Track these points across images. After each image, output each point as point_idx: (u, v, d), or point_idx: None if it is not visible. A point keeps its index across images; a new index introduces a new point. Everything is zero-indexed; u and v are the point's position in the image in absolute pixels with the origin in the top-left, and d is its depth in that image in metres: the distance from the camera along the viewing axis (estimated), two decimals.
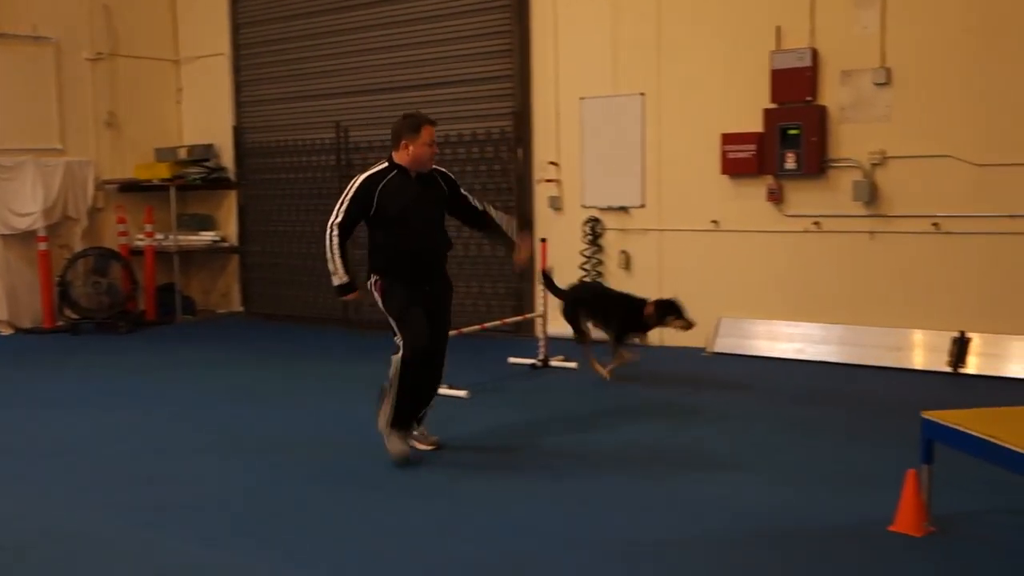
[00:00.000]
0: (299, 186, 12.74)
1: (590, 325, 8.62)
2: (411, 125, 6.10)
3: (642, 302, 8.38)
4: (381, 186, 6.05)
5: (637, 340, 8.79)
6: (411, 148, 6.06)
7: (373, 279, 6.21)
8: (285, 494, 5.59)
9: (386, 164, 6.17)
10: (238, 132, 13.21)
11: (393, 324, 6.09)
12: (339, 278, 6.14)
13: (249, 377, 9.19)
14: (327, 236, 6.11)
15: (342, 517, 5.17)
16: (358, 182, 6.12)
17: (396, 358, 6.04)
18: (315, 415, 7.57)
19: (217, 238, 13.28)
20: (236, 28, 13.15)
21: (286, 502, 5.44)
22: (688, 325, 8.23)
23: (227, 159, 13.33)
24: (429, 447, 6.32)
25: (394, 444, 6.06)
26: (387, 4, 11.70)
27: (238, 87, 13.22)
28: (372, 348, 10.50)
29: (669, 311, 8.23)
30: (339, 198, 6.23)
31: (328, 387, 8.66)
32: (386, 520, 5.10)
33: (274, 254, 13.07)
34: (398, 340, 6.06)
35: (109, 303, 12.08)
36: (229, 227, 13.53)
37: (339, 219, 6.09)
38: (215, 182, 13.24)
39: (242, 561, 4.61)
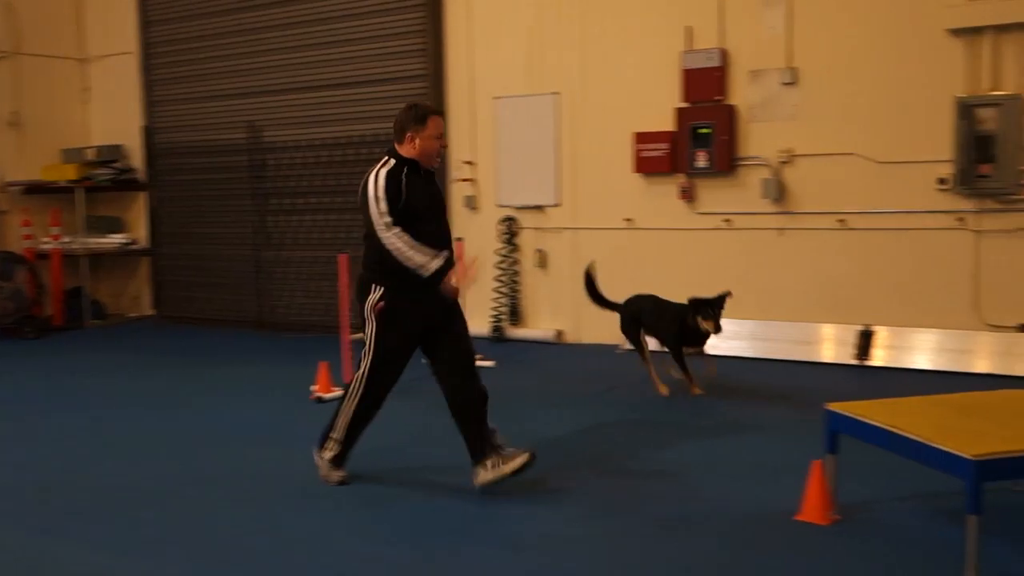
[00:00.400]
0: (212, 187, 12.54)
1: (648, 339, 7.94)
2: (416, 116, 5.43)
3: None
4: (403, 179, 5.32)
5: (693, 351, 7.84)
6: (417, 141, 5.39)
7: (376, 293, 5.42)
8: (189, 499, 5.49)
9: (393, 160, 5.41)
10: (148, 132, 12.96)
11: (368, 357, 5.47)
12: (436, 260, 5.27)
13: (159, 381, 9.01)
14: (390, 240, 5.24)
15: (244, 523, 5.11)
16: (380, 177, 5.32)
17: (348, 400, 5.57)
18: (225, 418, 7.45)
19: (127, 240, 13.03)
20: (144, 26, 12.90)
21: (191, 508, 5.35)
22: (716, 328, 7.49)
23: (137, 160, 13.08)
24: (522, 460, 5.42)
25: (331, 473, 5.64)
26: (299, 3, 11.59)
27: (148, 86, 12.97)
28: (287, 350, 10.44)
29: (699, 310, 7.58)
30: (369, 204, 5.32)
31: (240, 390, 8.53)
32: (295, 526, 5.05)
33: (187, 256, 12.86)
34: (361, 371, 5.50)
35: (14, 308, 11.75)
36: (140, 229, 13.27)
37: (388, 217, 5.24)
38: (125, 183, 12.98)
39: (144, 566, 4.53)
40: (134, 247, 13.08)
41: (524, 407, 7.48)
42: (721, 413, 7.19)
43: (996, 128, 8.02)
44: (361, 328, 5.58)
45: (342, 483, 5.61)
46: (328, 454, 5.64)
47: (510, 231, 10.52)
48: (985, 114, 8.08)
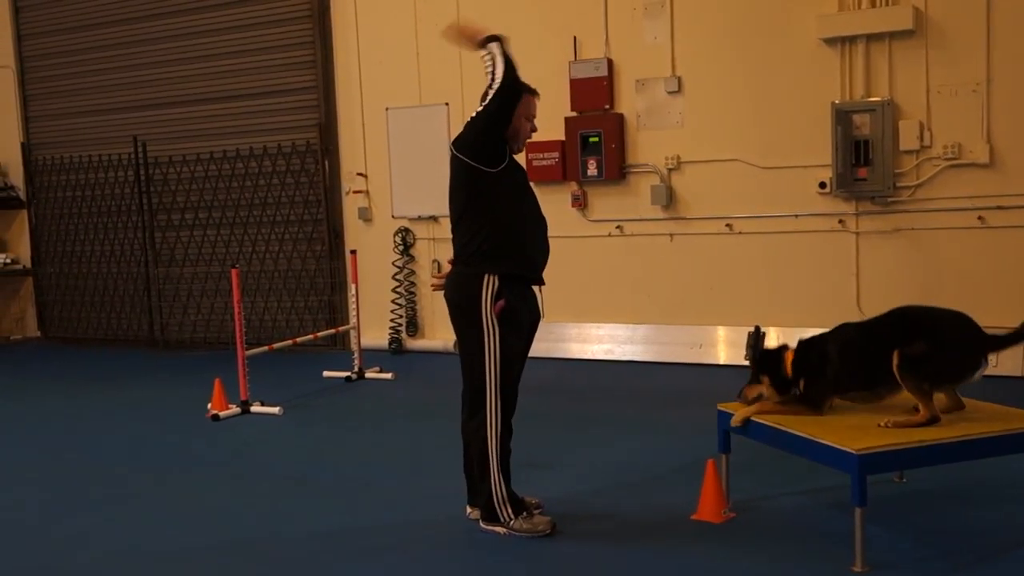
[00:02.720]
0: (96, 203, 12.22)
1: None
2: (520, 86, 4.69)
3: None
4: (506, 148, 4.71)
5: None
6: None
7: (490, 288, 4.62)
8: (67, 525, 5.36)
9: None
10: (27, 148, 12.56)
11: (495, 370, 4.65)
12: (500, 60, 4.52)
13: (43, 404, 8.74)
14: (484, 111, 4.60)
15: (121, 539, 5.01)
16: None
17: (488, 431, 4.72)
18: (115, 441, 7.27)
19: (8, 260, 12.61)
20: (20, 39, 12.50)
21: (69, 533, 5.22)
22: None
23: (16, 177, 12.66)
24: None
25: (523, 525, 4.80)
26: (183, 15, 11.39)
27: (25, 101, 12.57)
28: (178, 369, 10.23)
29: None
30: (465, 142, 4.70)
31: (131, 411, 8.33)
32: (178, 539, 4.97)
33: (72, 275, 12.50)
34: (491, 404, 4.69)
35: None
36: (21, 248, 12.85)
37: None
38: (4, 201, 12.58)
39: None
40: (15, 267, 12.67)
41: (421, 419, 7.49)
42: (615, 416, 7.31)
43: (871, 133, 8.35)
44: (470, 338, 4.70)
45: (553, 525, 4.80)
46: (508, 516, 4.78)
47: (405, 243, 10.51)
48: (860, 119, 8.39)
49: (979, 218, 8.19)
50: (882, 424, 4.41)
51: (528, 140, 4.93)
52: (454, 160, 4.71)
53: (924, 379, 4.39)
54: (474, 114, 4.67)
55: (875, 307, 8.47)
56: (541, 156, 9.57)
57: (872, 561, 4.24)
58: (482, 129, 4.61)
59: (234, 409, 7.80)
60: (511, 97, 4.56)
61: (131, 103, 11.83)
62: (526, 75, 4.72)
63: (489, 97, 4.57)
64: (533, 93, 4.80)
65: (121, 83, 11.87)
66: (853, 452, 4.13)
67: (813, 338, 4.87)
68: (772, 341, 8.69)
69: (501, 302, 4.63)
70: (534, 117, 4.81)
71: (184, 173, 11.58)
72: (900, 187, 8.40)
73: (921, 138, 8.28)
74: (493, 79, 4.56)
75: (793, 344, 4.94)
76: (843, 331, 4.82)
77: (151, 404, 8.57)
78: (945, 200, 8.29)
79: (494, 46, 4.56)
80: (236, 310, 7.91)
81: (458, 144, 4.71)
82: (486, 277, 4.63)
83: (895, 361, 4.43)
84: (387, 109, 10.49)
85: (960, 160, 8.20)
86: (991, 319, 8.11)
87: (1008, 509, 4.93)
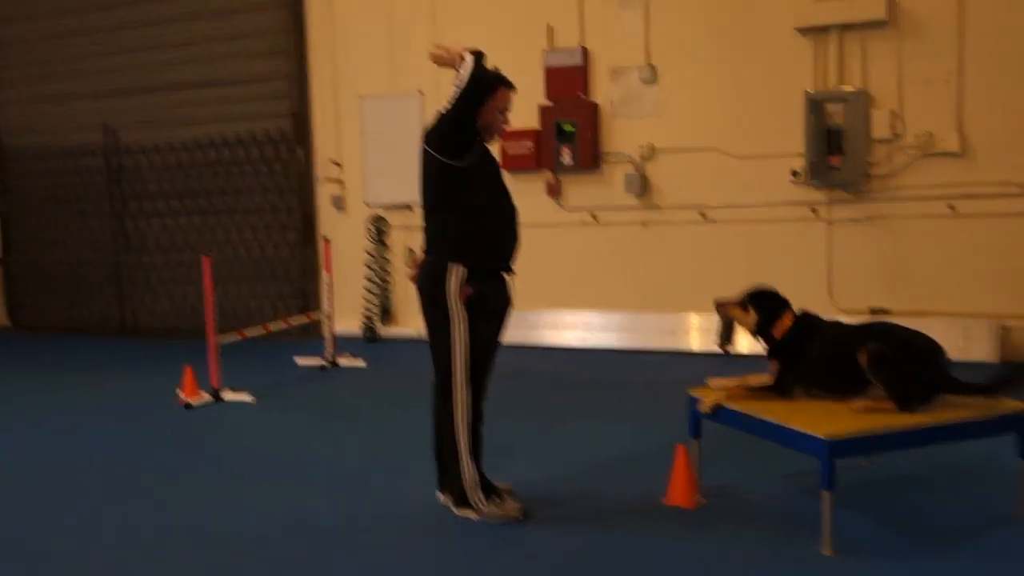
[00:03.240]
0: (66, 191, 12.12)
1: None
2: (488, 82, 4.68)
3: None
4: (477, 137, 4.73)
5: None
6: (480, 111, 4.68)
7: (457, 276, 4.66)
8: (35, 517, 5.32)
9: None
10: None
11: (461, 356, 4.72)
12: (469, 57, 4.54)
13: (14, 393, 8.66)
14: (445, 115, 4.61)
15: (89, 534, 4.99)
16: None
17: (457, 417, 4.77)
18: (87, 430, 7.22)
19: None
20: None
21: (35, 525, 5.18)
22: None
23: None
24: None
25: (495, 510, 4.83)
26: (156, 1, 11.29)
27: None
28: (149, 357, 10.17)
29: None
30: (431, 137, 4.70)
31: (103, 400, 8.27)
32: (147, 528, 4.95)
33: (42, 263, 12.40)
34: (456, 378, 4.74)
35: None
36: None
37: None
38: None
39: None
40: None
41: (395, 406, 7.49)
42: (588, 403, 7.33)
43: (844, 122, 8.39)
44: (438, 326, 4.76)
45: (525, 511, 4.86)
46: (479, 501, 4.83)
47: (379, 231, 10.48)
48: (833, 109, 8.43)
49: (950, 207, 8.25)
50: (853, 408, 4.44)
51: (502, 133, 4.93)
52: (424, 153, 4.73)
53: (894, 376, 4.42)
54: (443, 108, 4.68)
55: (847, 294, 8.58)
56: (516, 145, 9.56)
57: (840, 545, 4.27)
58: (447, 125, 4.64)
59: (206, 397, 7.76)
60: (477, 95, 4.58)
61: (102, 90, 11.73)
62: (501, 63, 4.71)
63: (453, 96, 4.59)
64: (509, 87, 4.78)
65: (92, 70, 11.76)
66: (822, 437, 4.16)
67: (811, 321, 4.84)
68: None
69: (469, 289, 4.67)
70: (508, 110, 4.81)
71: (156, 161, 11.49)
72: (872, 176, 8.45)
73: (893, 128, 8.34)
74: (458, 76, 4.57)
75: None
76: (830, 333, 4.79)
77: (122, 393, 8.51)
78: (917, 189, 8.35)
79: (468, 54, 4.56)
80: (208, 298, 7.87)
81: (427, 138, 4.73)
82: (453, 267, 4.67)
83: (864, 360, 4.45)
84: (361, 97, 10.44)
85: (932, 150, 8.26)
86: (959, 306, 8.22)
87: (973, 493, 4.98)
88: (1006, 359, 7.99)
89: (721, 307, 5.03)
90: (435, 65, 4.73)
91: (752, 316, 4.90)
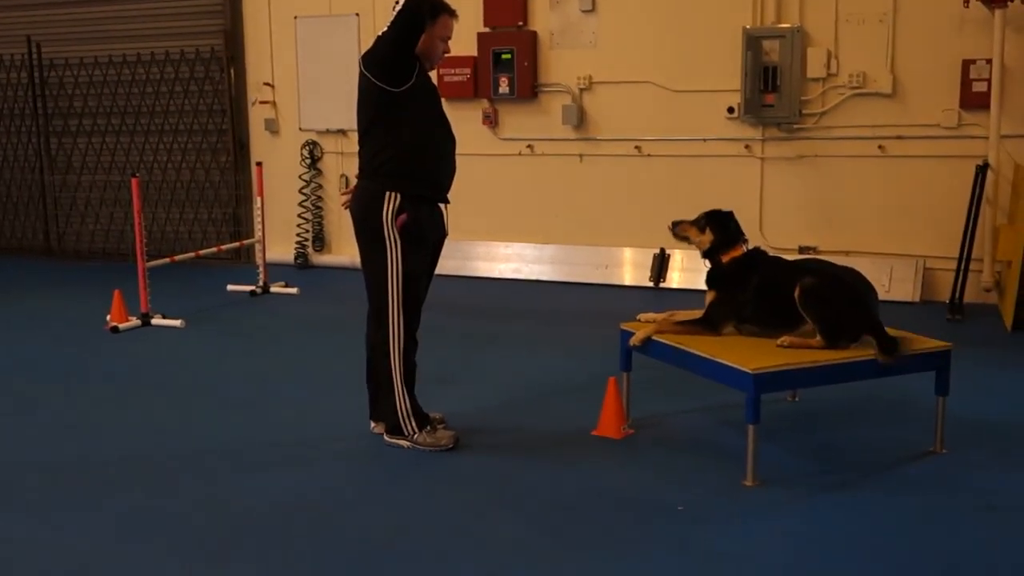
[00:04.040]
0: None
1: None
2: (430, 8, 4.58)
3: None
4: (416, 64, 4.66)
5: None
6: (423, 36, 4.60)
7: (392, 203, 4.62)
8: None
9: None
10: None
11: (398, 284, 4.68)
12: None
13: None
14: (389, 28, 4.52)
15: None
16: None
17: (391, 346, 4.74)
18: (8, 352, 7.09)
19: None
20: None
21: None
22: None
23: None
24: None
25: (427, 439, 4.85)
26: None
27: None
28: (75, 280, 9.97)
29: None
30: (372, 54, 4.65)
31: (27, 323, 8.12)
32: (73, 450, 4.91)
33: None
34: (393, 305, 4.70)
35: None
36: None
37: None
38: None
39: None
40: None
41: (326, 334, 7.47)
42: (521, 334, 7.38)
43: (779, 60, 8.43)
44: (372, 253, 4.73)
45: (456, 440, 4.88)
46: (412, 429, 4.84)
47: (312, 156, 10.34)
48: (770, 45, 8.46)
49: (879, 147, 8.38)
50: (779, 343, 4.54)
51: (441, 60, 4.88)
52: (361, 76, 4.67)
53: (826, 312, 4.51)
54: (382, 31, 4.60)
55: (777, 232, 8.71)
56: (453, 72, 9.46)
57: (763, 476, 4.40)
58: (386, 52, 4.57)
59: (134, 321, 7.65)
60: (414, 22, 4.51)
61: (26, 1, 11.29)
62: None
63: (391, 20, 4.52)
64: (451, 14, 4.73)
65: None
66: (748, 371, 4.25)
67: (758, 255, 4.90)
68: (677, 264, 8.98)
69: (403, 216, 4.63)
70: (449, 38, 4.76)
71: (82, 77, 11.14)
72: (806, 114, 8.53)
73: (828, 66, 8.40)
74: (397, 3, 4.50)
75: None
76: (770, 267, 4.85)
77: (47, 316, 8.37)
78: (848, 129, 8.45)
79: None
80: (136, 220, 7.72)
81: (365, 61, 4.66)
82: (388, 194, 4.63)
83: (797, 293, 4.53)
84: (296, 18, 10.21)
85: (864, 89, 8.35)
86: (885, 246, 8.40)
87: (894, 427, 5.15)
88: (927, 299, 8.21)
89: (676, 226, 5.06)
90: None
91: (708, 236, 4.94)
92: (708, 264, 4.96)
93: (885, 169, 8.40)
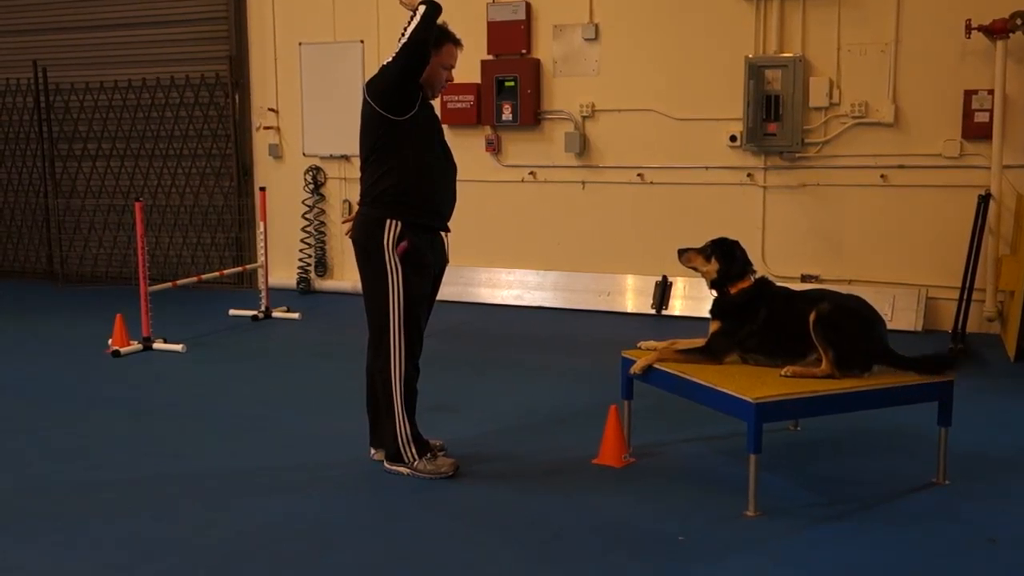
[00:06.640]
0: None
1: None
2: (435, 37, 4.64)
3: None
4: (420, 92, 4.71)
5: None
6: (425, 66, 4.64)
7: (394, 231, 4.64)
8: None
9: None
10: None
11: (399, 311, 4.68)
12: (422, 8, 4.53)
13: None
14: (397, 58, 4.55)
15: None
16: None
17: (392, 372, 4.74)
18: (10, 376, 7.08)
19: None
20: None
21: None
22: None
23: None
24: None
25: (427, 466, 4.84)
26: None
27: None
28: (78, 304, 9.98)
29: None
30: (377, 83, 4.67)
31: (29, 347, 8.12)
32: (74, 475, 4.90)
33: None
34: (395, 333, 4.69)
35: None
36: None
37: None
38: None
39: None
40: None
41: (327, 359, 7.46)
42: (522, 361, 7.37)
43: (782, 89, 8.46)
44: (373, 280, 4.73)
45: (456, 467, 4.87)
46: (412, 456, 4.83)
47: (316, 181, 10.37)
48: (772, 75, 8.50)
49: (882, 176, 8.39)
50: (783, 373, 4.53)
51: (443, 88, 4.92)
52: (365, 104, 4.70)
53: (840, 338, 4.50)
54: (387, 60, 4.63)
55: (780, 260, 8.71)
56: (456, 99, 9.49)
57: (764, 506, 4.37)
58: (391, 82, 4.61)
59: (136, 345, 7.65)
60: (421, 54, 4.55)
61: (32, 25, 11.37)
62: (444, 14, 4.67)
63: (398, 50, 4.56)
64: (456, 43, 4.78)
65: (22, 4, 11.39)
66: (750, 400, 4.24)
67: (766, 286, 4.87)
68: (679, 291, 8.98)
69: (404, 243, 4.64)
70: (453, 67, 4.82)
71: (88, 101, 11.20)
72: (808, 143, 8.55)
73: (830, 95, 8.43)
74: (404, 33, 4.55)
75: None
76: (780, 296, 4.83)
77: (49, 339, 8.37)
78: (850, 158, 8.47)
79: (423, 7, 4.53)
80: (139, 244, 7.73)
81: (369, 89, 4.69)
82: (389, 222, 4.64)
83: (812, 318, 4.51)
84: (300, 44, 10.27)
85: (866, 119, 8.37)
86: (890, 275, 8.40)
87: (896, 458, 5.13)
88: (929, 329, 8.19)
89: (683, 253, 5.04)
90: (403, 8, 4.65)
91: (714, 266, 4.91)
92: (715, 294, 4.94)
93: (887, 198, 8.41)
